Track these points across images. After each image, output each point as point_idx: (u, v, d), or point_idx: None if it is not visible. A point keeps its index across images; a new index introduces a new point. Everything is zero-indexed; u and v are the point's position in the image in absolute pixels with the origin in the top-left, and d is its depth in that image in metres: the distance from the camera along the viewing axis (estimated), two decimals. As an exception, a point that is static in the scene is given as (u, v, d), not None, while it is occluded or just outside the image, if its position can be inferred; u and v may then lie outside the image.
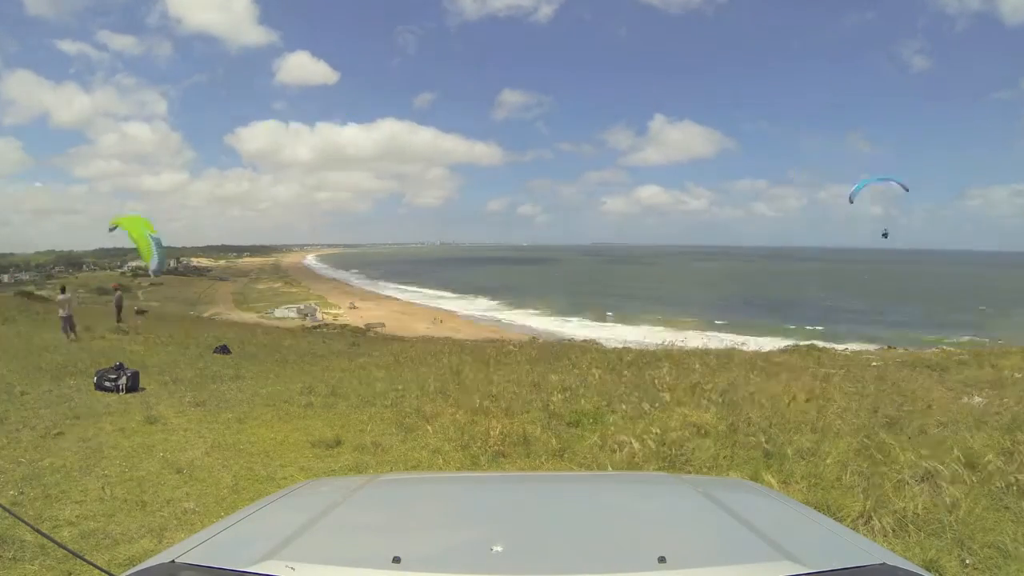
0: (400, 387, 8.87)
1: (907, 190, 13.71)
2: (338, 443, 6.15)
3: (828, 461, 4.85)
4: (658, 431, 5.83)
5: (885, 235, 14.43)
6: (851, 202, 13.33)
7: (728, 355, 12.78)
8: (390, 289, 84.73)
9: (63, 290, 16.02)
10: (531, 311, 59.32)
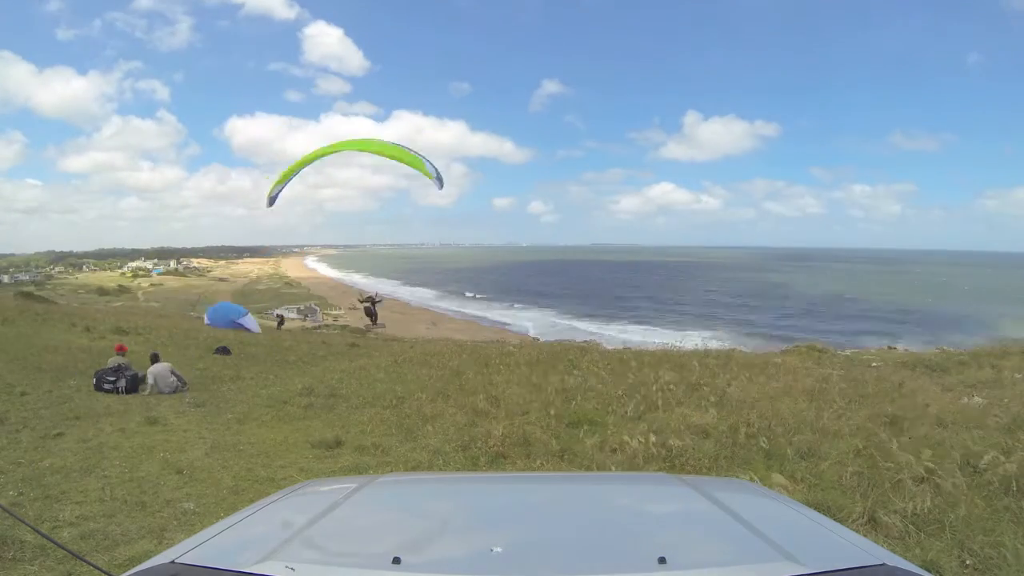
0: (400, 388, 8.88)
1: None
2: (338, 444, 6.15)
3: (828, 462, 4.85)
4: (658, 432, 5.83)
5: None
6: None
7: (728, 356, 12.77)
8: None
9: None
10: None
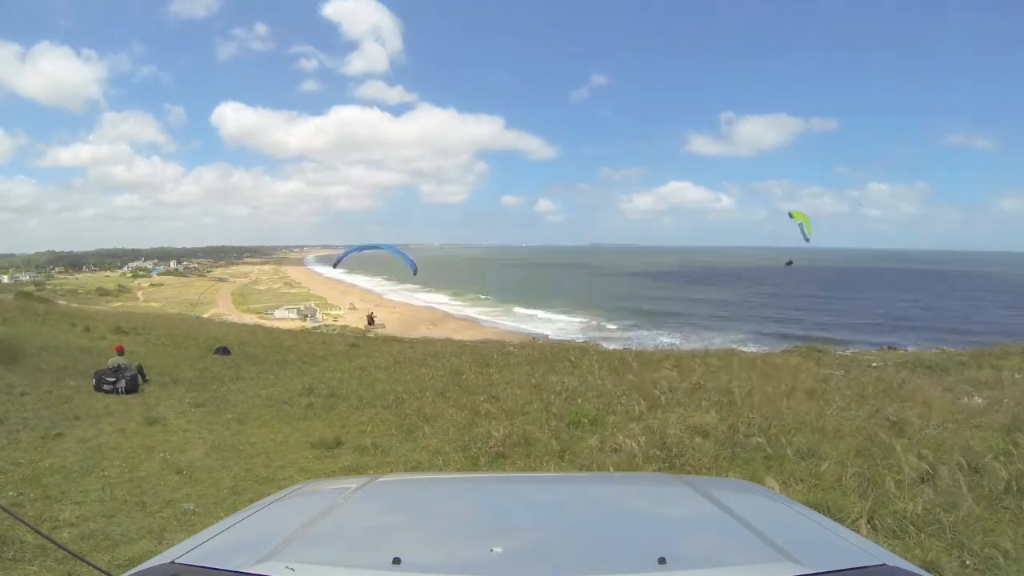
0: (400, 388, 8.87)
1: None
2: (338, 444, 6.16)
3: (828, 462, 4.86)
4: (658, 432, 5.83)
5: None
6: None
7: (728, 356, 12.77)
8: None
9: None
10: None
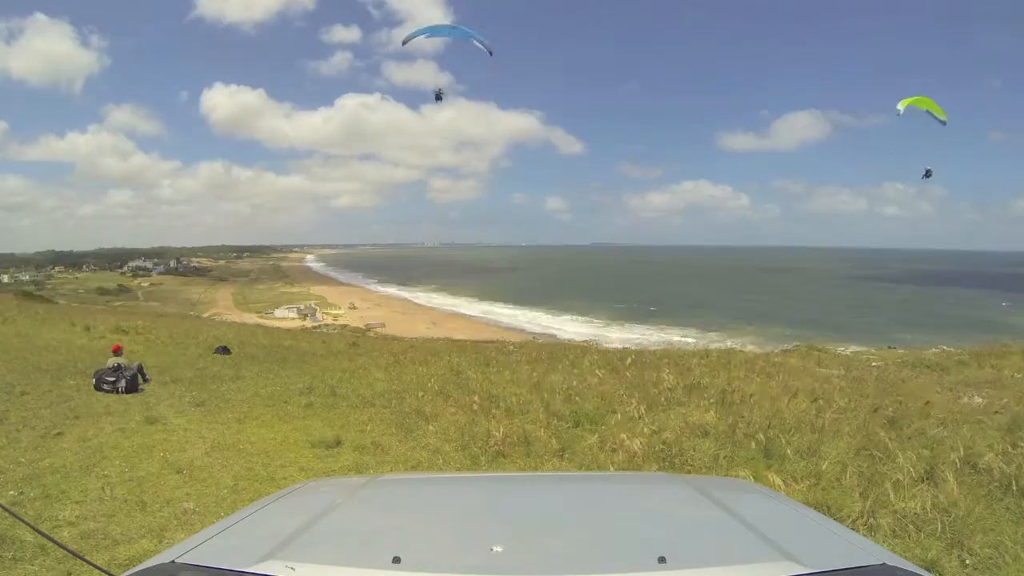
0: (400, 387, 8.87)
1: (490, 53, 10.84)
2: (338, 443, 6.15)
3: (828, 461, 4.85)
4: (658, 431, 5.84)
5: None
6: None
7: (728, 355, 12.77)
8: None
9: None
10: None
